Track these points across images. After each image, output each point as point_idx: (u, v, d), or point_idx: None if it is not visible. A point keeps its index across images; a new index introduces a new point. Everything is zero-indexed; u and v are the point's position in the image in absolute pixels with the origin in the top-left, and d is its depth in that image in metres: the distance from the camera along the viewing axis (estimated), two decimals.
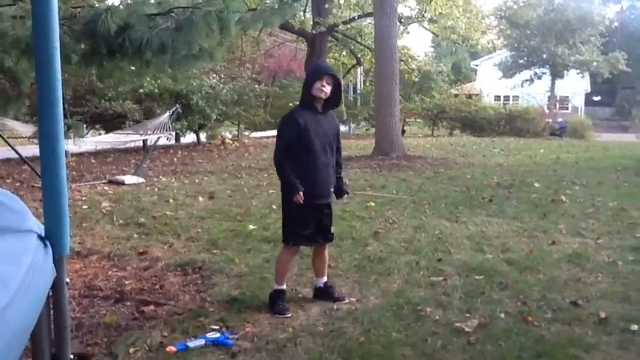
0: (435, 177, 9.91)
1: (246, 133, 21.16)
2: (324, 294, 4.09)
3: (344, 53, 28.05)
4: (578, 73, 31.73)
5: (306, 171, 3.81)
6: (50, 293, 1.98)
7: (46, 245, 1.96)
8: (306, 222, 3.90)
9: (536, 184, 8.94)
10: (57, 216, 2.08)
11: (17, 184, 9.35)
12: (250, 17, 4.71)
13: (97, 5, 4.93)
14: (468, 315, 3.74)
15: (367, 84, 28.61)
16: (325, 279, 4.16)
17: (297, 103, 4.11)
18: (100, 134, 15.48)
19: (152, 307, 3.91)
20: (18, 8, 4.36)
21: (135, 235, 5.87)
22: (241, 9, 4.57)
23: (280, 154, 3.88)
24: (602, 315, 3.67)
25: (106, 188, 8.93)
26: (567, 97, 38.11)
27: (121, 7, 4.46)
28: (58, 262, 2.02)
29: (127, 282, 4.49)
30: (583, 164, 12.29)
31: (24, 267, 1.62)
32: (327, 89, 3.84)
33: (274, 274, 4.04)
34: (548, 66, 30.55)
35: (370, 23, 22.03)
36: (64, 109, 2.16)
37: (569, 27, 28.85)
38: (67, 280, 2.11)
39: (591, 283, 4.36)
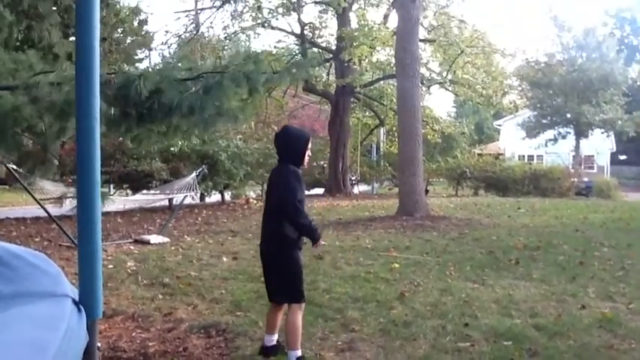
0: (459, 238, 9.82)
1: None
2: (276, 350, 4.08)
3: (367, 113, 28.53)
4: (602, 132, 31.61)
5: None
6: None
7: (80, 310, 2.00)
8: None
9: (564, 246, 8.80)
10: (91, 280, 2.13)
11: (45, 243, 9.51)
12: (277, 76, 4.91)
13: (129, 70, 5.18)
14: None
15: (390, 144, 28.83)
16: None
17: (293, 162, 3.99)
18: (126, 194, 15.75)
19: None
20: (56, 75, 4.59)
21: (159, 296, 5.90)
22: (268, 69, 4.79)
23: (297, 203, 3.80)
24: None
25: (131, 247, 9.04)
26: (592, 156, 37.89)
27: (151, 71, 4.67)
28: (90, 326, 2.06)
29: (150, 344, 4.49)
30: (611, 225, 12.08)
31: (60, 333, 1.66)
32: None
33: (290, 341, 3.86)
34: (572, 125, 30.54)
35: (392, 84, 22.46)
36: None
37: (591, 87, 28.98)
38: (99, 344, 2.14)
39: (625, 351, 4.23)
